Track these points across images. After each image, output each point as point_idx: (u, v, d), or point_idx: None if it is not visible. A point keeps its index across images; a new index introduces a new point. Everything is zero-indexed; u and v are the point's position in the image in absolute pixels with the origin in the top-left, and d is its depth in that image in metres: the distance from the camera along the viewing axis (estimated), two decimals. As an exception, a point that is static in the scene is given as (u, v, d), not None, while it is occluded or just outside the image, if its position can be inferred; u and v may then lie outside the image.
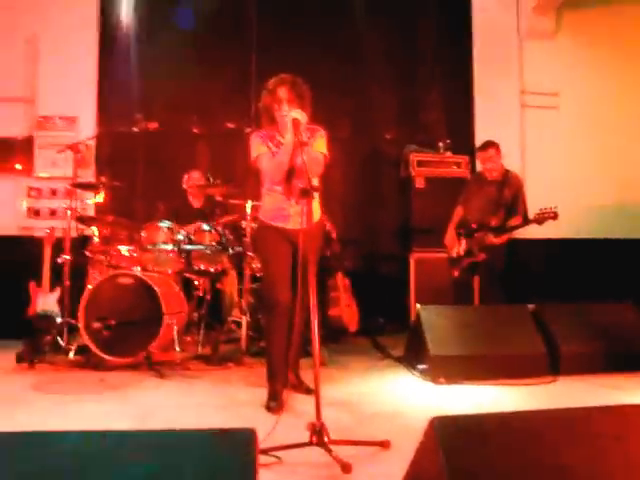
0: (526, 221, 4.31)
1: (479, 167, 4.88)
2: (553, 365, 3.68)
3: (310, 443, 2.23)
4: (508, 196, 4.46)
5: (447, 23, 6.19)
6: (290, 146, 2.95)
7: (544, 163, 6.02)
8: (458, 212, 4.73)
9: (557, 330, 3.81)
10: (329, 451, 2.18)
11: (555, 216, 4.01)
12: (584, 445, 1.36)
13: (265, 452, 2.15)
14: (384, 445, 2.37)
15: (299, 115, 2.89)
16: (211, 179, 4.64)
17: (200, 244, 4.24)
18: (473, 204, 4.65)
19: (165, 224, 4.28)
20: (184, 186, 5.10)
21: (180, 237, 4.20)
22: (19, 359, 3.88)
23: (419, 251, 5.47)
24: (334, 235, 4.93)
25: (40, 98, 5.58)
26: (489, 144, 4.61)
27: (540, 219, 4.09)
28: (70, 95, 5.59)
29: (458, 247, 4.62)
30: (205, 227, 4.31)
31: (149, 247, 4.18)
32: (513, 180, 4.54)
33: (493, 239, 4.34)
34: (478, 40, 6.20)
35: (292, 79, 3.09)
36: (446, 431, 1.36)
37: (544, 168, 5.98)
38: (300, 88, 3.08)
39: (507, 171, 4.60)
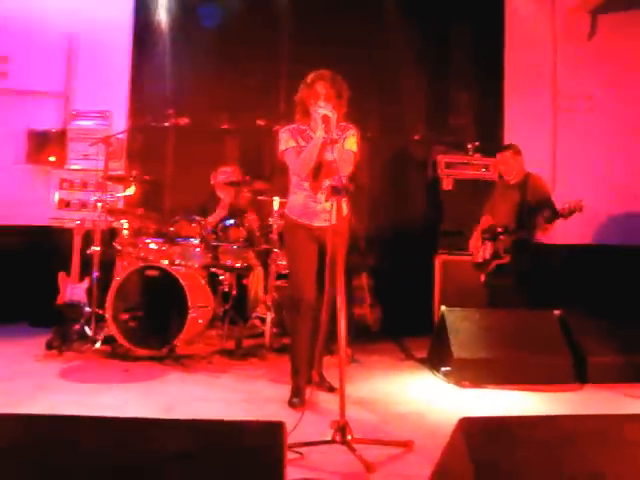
0: (554, 215, 4.22)
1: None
2: (580, 373, 3.62)
3: (334, 441, 2.23)
4: (529, 198, 4.42)
5: (479, 24, 6.11)
6: (319, 142, 2.95)
7: (576, 168, 5.91)
8: (485, 220, 4.70)
9: (584, 338, 3.74)
10: (353, 450, 2.18)
11: (580, 208, 3.94)
12: (615, 453, 1.33)
13: (289, 447, 2.15)
14: (407, 446, 2.36)
15: (329, 112, 2.89)
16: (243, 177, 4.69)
17: (227, 239, 4.28)
18: (499, 209, 4.62)
19: (193, 218, 4.34)
20: (213, 182, 5.13)
21: (208, 232, 4.24)
22: (49, 346, 3.96)
23: (445, 253, 5.43)
24: (362, 234, 4.90)
25: (74, 92, 5.69)
26: (506, 147, 4.62)
27: (565, 212, 4.04)
28: (103, 90, 5.68)
29: (483, 251, 4.59)
30: (232, 223, 4.35)
31: (177, 241, 4.23)
32: (532, 182, 4.49)
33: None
34: (510, 42, 6.11)
35: (332, 75, 3.07)
36: (474, 432, 1.35)
37: (576, 173, 5.87)
38: (339, 85, 3.06)
39: (528, 174, 4.56)
